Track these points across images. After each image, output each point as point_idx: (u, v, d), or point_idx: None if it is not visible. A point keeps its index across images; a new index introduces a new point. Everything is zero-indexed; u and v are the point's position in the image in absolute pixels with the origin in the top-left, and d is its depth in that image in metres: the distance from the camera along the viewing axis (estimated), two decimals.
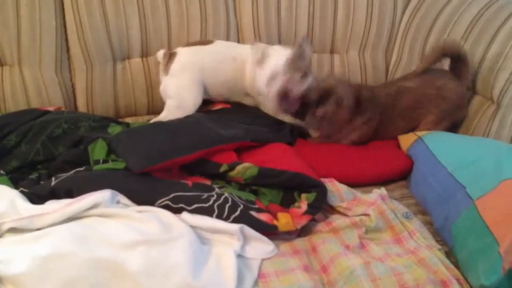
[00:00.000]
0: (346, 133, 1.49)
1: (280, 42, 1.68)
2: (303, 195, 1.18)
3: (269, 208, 1.16)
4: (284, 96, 1.44)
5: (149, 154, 1.21)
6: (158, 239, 1.00)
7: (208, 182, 1.24)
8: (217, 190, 1.17)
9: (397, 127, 1.49)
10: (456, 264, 1.06)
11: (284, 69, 1.44)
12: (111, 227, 1.02)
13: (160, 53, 1.56)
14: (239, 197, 1.15)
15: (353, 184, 1.29)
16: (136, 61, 1.65)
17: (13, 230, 1.02)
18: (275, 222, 1.11)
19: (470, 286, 1.00)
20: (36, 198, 1.14)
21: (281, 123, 1.53)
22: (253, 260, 1.05)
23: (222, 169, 1.23)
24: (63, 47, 1.57)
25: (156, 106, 1.60)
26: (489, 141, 1.35)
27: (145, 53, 1.64)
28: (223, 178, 1.26)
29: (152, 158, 1.20)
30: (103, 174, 1.20)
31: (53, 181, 1.16)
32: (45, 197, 1.13)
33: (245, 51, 1.55)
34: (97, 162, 1.25)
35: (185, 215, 1.10)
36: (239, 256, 1.04)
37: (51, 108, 1.52)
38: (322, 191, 1.18)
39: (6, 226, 1.02)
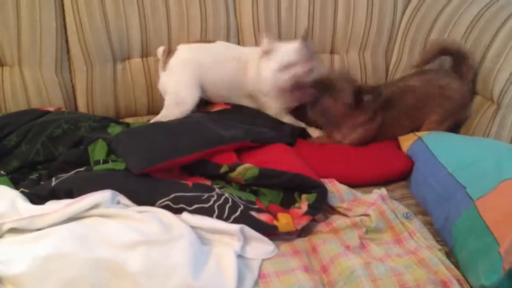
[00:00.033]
0: (346, 131, 1.48)
1: None
2: (304, 196, 1.18)
3: (269, 208, 1.16)
4: (297, 85, 1.45)
5: (149, 155, 1.21)
6: (159, 239, 1.00)
7: (209, 183, 1.24)
8: (217, 190, 1.17)
9: (401, 127, 1.48)
10: (456, 265, 1.06)
11: (295, 58, 1.45)
12: (112, 228, 1.02)
13: (160, 50, 1.57)
14: (240, 198, 1.15)
15: (353, 184, 1.29)
16: (136, 61, 1.65)
17: (13, 231, 1.02)
18: (275, 223, 1.11)
19: (470, 286, 1.00)
20: (37, 198, 1.14)
21: (281, 123, 1.53)
22: (254, 260, 1.05)
23: (223, 170, 1.23)
24: (63, 47, 1.57)
25: (156, 106, 1.60)
26: (489, 142, 1.35)
27: (145, 53, 1.64)
28: (224, 179, 1.26)
29: (152, 158, 1.20)
30: (103, 174, 1.20)
31: (54, 182, 1.16)
32: (45, 198, 1.13)
33: (248, 52, 1.55)
34: (97, 162, 1.25)
35: (185, 215, 1.10)
36: (239, 256, 1.04)
37: (51, 109, 1.52)
38: (322, 192, 1.18)
39: (6, 227, 1.02)
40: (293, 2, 1.69)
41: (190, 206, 1.11)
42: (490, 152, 1.21)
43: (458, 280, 1.00)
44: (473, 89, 1.50)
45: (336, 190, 1.25)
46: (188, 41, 1.61)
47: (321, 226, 1.16)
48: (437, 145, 1.31)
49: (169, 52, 1.54)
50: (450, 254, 1.09)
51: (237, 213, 1.10)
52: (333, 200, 1.22)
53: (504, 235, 0.95)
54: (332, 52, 1.77)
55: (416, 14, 1.72)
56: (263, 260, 1.06)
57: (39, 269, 0.91)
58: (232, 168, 1.22)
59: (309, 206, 1.14)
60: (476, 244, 1.00)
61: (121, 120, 1.61)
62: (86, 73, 1.59)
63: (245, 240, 1.08)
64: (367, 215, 1.16)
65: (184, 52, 1.53)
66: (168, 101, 1.52)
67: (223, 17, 1.65)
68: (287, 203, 1.20)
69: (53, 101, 1.58)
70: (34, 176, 1.27)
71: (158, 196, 1.12)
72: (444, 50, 1.51)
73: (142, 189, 1.15)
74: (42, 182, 1.23)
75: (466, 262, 1.03)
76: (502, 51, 1.41)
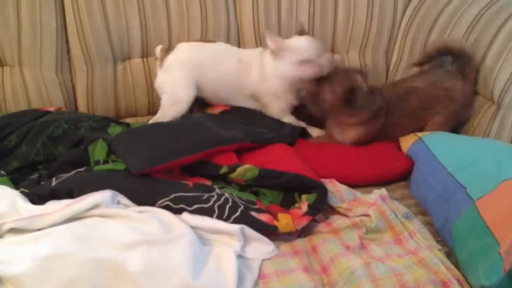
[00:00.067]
0: (345, 130, 1.48)
1: None
2: (304, 196, 1.18)
3: (270, 208, 1.16)
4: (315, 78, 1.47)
5: (149, 155, 1.21)
6: (159, 239, 1.00)
7: (209, 183, 1.24)
8: (217, 190, 1.17)
9: (404, 128, 1.47)
10: (456, 265, 1.06)
11: (315, 51, 1.47)
12: (112, 228, 1.02)
13: (158, 48, 1.56)
14: (240, 198, 1.15)
15: (354, 184, 1.29)
16: (137, 61, 1.65)
17: (13, 231, 1.02)
18: (275, 223, 1.11)
19: (470, 286, 1.00)
20: (37, 198, 1.14)
21: (281, 123, 1.53)
22: (254, 260, 1.05)
23: (223, 170, 1.23)
24: (63, 48, 1.58)
25: (157, 107, 1.59)
26: (490, 142, 1.35)
27: (146, 54, 1.64)
28: (224, 179, 1.26)
29: (152, 159, 1.20)
30: (103, 174, 1.20)
31: (54, 182, 1.16)
32: (45, 198, 1.14)
33: (248, 54, 1.55)
34: (97, 162, 1.25)
35: (185, 215, 1.10)
36: (240, 256, 1.04)
37: (51, 109, 1.52)
38: (322, 192, 1.18)
39: (6, 227, 1.02)
40: (293, 3, 1.69)
41: (190, 206, 1.11)
42: (490, 152, 1.21)
43: (458, 280, 1.00)
44: (475, 89, 1.50)
45: (336, 190, 1.25)
46: (189, 41, 1.61)
47: (321, 226, 1.16)
48: (437, 145, 1.31)
49: (168, 50, 1.53)
50: (450, 254, 1.09)
51: (237, 213, 1.10)
52: (333, 200, 1.22)
53: (504, 235, 0.95)
54: (332, 52, 1.77)
55: (417, 14, 1.71)
56: (263, 260, 1.06)
57: (39, 269, 0.91)
58: (232, 169, 1.22)
59: (309, 206, 1.14)
60: (476, 244, 1.00)
61: (121, 120, 1.61)
62: (87, 73, 1.59)
63: (245, 240, 1.08)
64: (367, 215, 1.16)
65: (184, 51, 1.53)
66: (164, 101, 1.52)
67: (223, 17, 1.65)
68: (287, 204, 1.20)
69: (54, 101, 1.58)
70: (34, 176, 1.27)
71: (158, 196, 1.12)
72: (446, 50, 1.51)
73: (142, 189, 1.15)
74: (42, 182, 1.23)
75: (466, 262, 1.03)
76: (503, 51, 1.41)
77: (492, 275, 0.93)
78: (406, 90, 1.48)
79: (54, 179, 1.18)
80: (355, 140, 1.48)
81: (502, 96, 1.39)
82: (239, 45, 1.71)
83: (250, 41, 1.69)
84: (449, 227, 1.10)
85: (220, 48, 1.56)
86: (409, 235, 1.14)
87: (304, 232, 1.16)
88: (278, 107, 1.54)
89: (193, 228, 1.07)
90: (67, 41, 1.58)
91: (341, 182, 1.28)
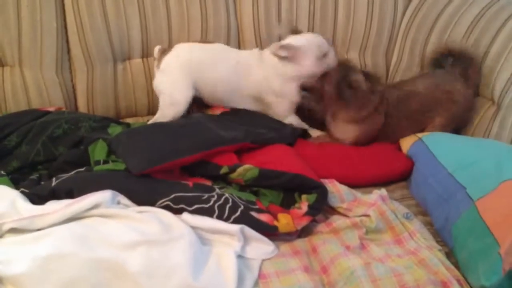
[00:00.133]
0: (342, 127, 1.48)
1: None
2: (304, 196, 1.18)
3: (270, 208, 1.16)
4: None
5: (149, 156, 1.21)
6: (159, 239, 1.00)
7: (209, 183, 1.24)
8: (217, 190, 1.17)
9: (404, 130, 1.46)
10: (456, 265, 1.06)
11: (327, 45, 1.52)
12: (112, 228, 1.02)
13: (156, 48, 1.56)
14: (240, 198, 1.15)
15: (354, 185, 1.29)
16: (137, 61, 1.65)
17: (13, 231, 1.02)
18: (275, 223, 1.11)
19: (470, 287, 1.00)
20: (37, 198, 1.14)
21: (281, 124, 1.52)
22: (254, 260, 1.05)
23: (223, 171, 1.23)
24: (64, 48, 1.58)
25: (157, 107, 1.59)
26: (490, 142, 1.35)
27: (146, 54, 1.64)
28: (224, 179, 1.26)
29: (152, 159, 1.20)
30: (103, 174, 1.20)
31: (54, 182, 1.16)
32: (45, 198, 1.13)
33: (247, 56, 1.55)
34: (97, 162, 1.26)
35: (185, 215, 1.10)
36: (240, 256, 1.04)
37: (51, 109, 1.52)
38: (322, 192, 1.18)
39: (6, 227, 1.02)
40: (294, 3, 1.69)
41: (190, 206, 1.11)
42: (490, 152, 1.21)
43: (458, 281, 1.00)
44: (477, 91, 1.49)
45: (336, 190, 1.25)
46: (189, 42, 1.61)
47: (321, 227, 1.16)
48: (437, 146, 1.31)
49: (165, 51, 1.53)
50: (450, 255, 1.09)
51: (237, 213, 1.10)
52: (333, 201, 1.22)
53: (504, 235, 0.95)
54: None
55: (417, 14, 1.71)
56: (263, 260, 1.06)
57: (39, 269, 0.91)
58: (232, 169, 1.22)
59: (309, 206, 1.14)
60: (476, 245, 1.00)
61: (121, 120, 1.61)
62: (87, 74, 1.59)
63: (245, 240, 1.08)
64: (367, 215, 1.16)
65: (181, 52, 1.52)
66: (162, 102, 1.52)
67: (223, 18, 1.65)
68: (287, 204, 1.20)
69: (54, 101, 1.58)
70: (34, 176, 1.27)
71: (158, 196, 1.12)
72: (449, 52, 1.50)
73: (142, 189, 1.15)
74: (42, 182, 1.23)
75: (466, 263, 1.03)
76: (503, 51, 1.41)
77: (492, 276, 0.93)
78: (407, 92, 1.47)
79: (54, 179, 1.18)
80: (355, 139, 1.48)
81: (502, 97, 1.39)
82: (239, 45, 1.71)
83: (250, 41, 1.69)
84: (449, 227, 1.10)
85: (218, 49, 1.55)
86: (409, 235, 1.14)
87: (304, 232, 1.16)
88: (282, 107, 1.54)
89: (193, 228, 1.07)
90: (67, 41, 1.58)
91: (341, 182, 1.28)
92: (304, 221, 1.13)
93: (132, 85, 1.64)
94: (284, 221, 1.11)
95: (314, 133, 1.57)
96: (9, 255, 0.95)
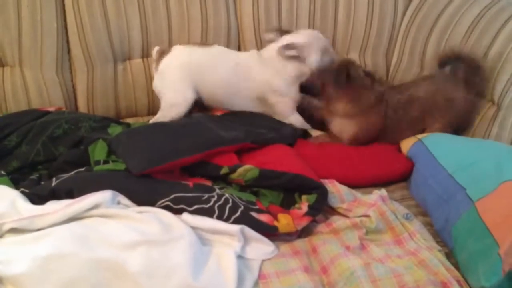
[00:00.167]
0: (343, 124, 1.48)
1: None
2: (304, 197, 1.18)
3: (270, 209, 1.16)
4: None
5: (149, 156, 1.21)
6: (159, 239, 1.00)
7: (209, 183, 1.24)
8: (217, 191, 1.17)
9: (404, 134, 1.46)
10: (456, 266, 1.06)
11: (326, 39, 1.58)
12: (112, 228, 1.03)
13: (154, 50, 1.56)
14: (240, 198, 1.15)
15: (354, 185, 1.29)
16: (137, 62, 1.65)
17: (13, 231, 1.02)
18: (275, 223, 1.11)
19: (470, 287, 1.00)
20: (37, 198, 1.14)
21: (282, 124, 1.53)
22: (254, 261, 1.05)
23: (223, 171, 1.23)
24: (64, 48, 1.58)
25: (157, 107, 1.60)
26: (490, 143, 1.35)
27: (146, 54, 1.64)
28: (224, 180, 1.26)
29: (152, 160, 1.20)
30: (103, 174, 1.20)
31: (54, 182, 1.16)
32: (45, 198, 1.14)
33: (246, 57, 1.55)
34: (97, 162, 1.26)
35: (185, 216, 1.10)
36: (240, 257, 1.04)
37: (51, 109, 1.52)
38: (322, 193, 1.18)
39: (6, 227, 1.02)
40: (294, 4, 1.69)
41: (191, 206, 1.11)
42: (490, 153, 1.21)
43: (458, 281, 1.00)
44: (479, 99, 1.47)
45: (336, 190, 1.25)
46: (189, 42, 1.62)
47: (321, 227, 1.16)
48: (437, 147, 1.31)
49: (163, 52, 1.53)
50: (450, 255, 1.09)
51: (238, 214, 1.10)
52: (333, 201, 1.22)
53: (504, 236, 0.95)
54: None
55: (417, 15, 1.71)
56: (263, 260, 1.06)
57: (39, 269, 0.91)
58: (233, 170, 1.22)
59: (309, 207, 1.14)
60: (476, 246, 1.00)
61: (121, 120, 1.61)
62: (87, 74, 1.59)
63: (245, 240, 1.08)
64: (367, 216, 1.16)
65: (179, 54, 1.52)
66: (163, 104, 1.52)
67: (223, 18, 1.65)
68: (288, 204, 1.20)
69: (54, 101, 1.58)
70: (34, 176, 1.27)
71: (158, 197, 1.12)
72: (458, 58, 1.49)
73: (143, 189, 1.15)
74: (42, 182, 1.23)
75: (466, 264, 1.03)
76: (503, 52, 1.41)
77: (491, 276, 0.93)
78: (408, 97, 1.47)
79: (54, 179, 1.18)
80: (352, 136, 1.47)
81: (502, 97, 1.39)
82: (239, 46, 1.71)
83: (251, 42, 1.69)
84: (449, 228, 1.10)
85: (216, 51, 1.55)
86: (409, 236, 1.14)
87: (304, 232, 1.16)
88: (286, 106, 1.54)
89: (193, 228, 1.07)
90: (67, 41, 1.58)
91: (341, 182, 1.28)
92: (304, 222, 1.13)
93: (132, 85, 1.64)
94: (284, 222, 1.11)
95: (314, 133, 1.57)
96: (9, 255, 0.95)
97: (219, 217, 1.10)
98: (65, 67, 1.59)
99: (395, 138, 1.47)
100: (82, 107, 1.62)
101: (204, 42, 1.64)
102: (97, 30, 1.56)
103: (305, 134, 1.56)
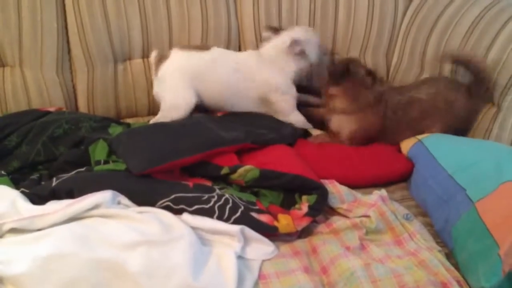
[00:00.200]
0: (342, 121, 1.48)
1: None
2: (304, 197, 1.18)
3: (270, 209, 1.16)
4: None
5: (150, 156, 1.21)
6: (159, 240, 1.00)
7: (209, 183, 1.24)
8: (218, 191, 1.17)
9: (403, 135, 1.46)
10: (456, 266, 1.06)
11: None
12: (112, 228, 1.03)
13: (152, 55, 1.56)
14: (240, 198, 1.15)
15: (354, 185, 1.29)
16: (137, 62, 1.65)
17: (14, 231, 1.02)
18: (275, 224, 1.11)
19: None
20: (37, 198, 1.14)
21: (282, 124, 1.52)
22: (254, 261, 1.05)
23: (223, 171, 1.23)
24: (64, 48, 1.58)
25: (157, 107, 1.60)
26: (490, 144, 1.35)
27: (146, 54, 1.64)
28: (224, 180, 1.26)
29: (152, 160, 1.20)
30: (104, 174, 1.20)
31: (54, 182, 1.16)
32: (46, 198, 1.14)
33: (245, 57, 1.55)
34: (98, 162, 1.26)
35: (185, 216, 1.10)
36: (240, 257, 1.04)
37: (52, 109, 1.52)
38: (323, 193, 1.18)
39: (7, 227, 1.02)
40: (294, 4, 1.69)
41: (191, 206, 1.11)
42: (490, 154, 1.21)
43: (458, 282, 1.01)
44: (481, 105, 1.47)
45: (336, 191, 1.25)
46: (189, 43, 1.62)
47: (321, 227, 1.16)
48: (437, 147, 1.31)
49: (162, 58, 1.53)
50: (450, 256, 1.09)
51: (238, 214, 1.10)
52: (333, 201, 1.22)
53: (504, 237, 0.95)
54: (333, 52, 1.77)
55: (417, 15, 1.71)
56: (263, 261, 1.06)
57: (39, 269, 0.91)
58: (233, 170, 1.22)
59: (310, 207, 1.14)
60: (476, 246, 1.00)
61: (121, 120, 1.61)
62: (87, 74, 1.59)
63: (246, 241, 1.08)
64: (367, 216, 1.16)
65: (178, 59, 1.52)
66: (163, 105, 1.52)
67: (224, 18, 1.66)
68: (288, 204, 1.20)
69: (54, 101, 1.58)
70: (34, 176, 1.27)
71: (158, 197, 1.12)
72: (465, 62, 1.48)
73: (143, 189, 1.15)
74: (42, 182, 1.23)
75: (466, 264, 1.03)
76: (503, 53, 1.41)
77: (491, 277, 0.93)
78: (408, 99, 1.47)
79: (54, 179, 1.18)
80: (350, 134, 1.48)
81: (502, 98, 1.39)
82: (240, 46, 1.71)
83: (251, 42, 1.69)
84: (449, 228, 1.10)
85: (215, 54, 1.54)
86: (409, 236, 1.15)
87: (304, 232, 1.16)
88: (287, 104, 1.55)
89: (193, 228, 1.07)
90: (68, 41, 1.58)
91: (341, 183, 1.28)
92: (304, 222, 1.13)
93: (133, 85, 1.65)
94: (284, 222, 1.11)
95: (314, 132, 1.57)
96: (9, 255, 0.95)
97: (219, 218, 1.10)
98: (65, 67, 1.59)
99: (395, 139, 1.47)
100: (82, 107, 1.62)
101: (204, 43, 1.64)
102: (97, 30, 1.56)
103: (305, 133, 1.56)
